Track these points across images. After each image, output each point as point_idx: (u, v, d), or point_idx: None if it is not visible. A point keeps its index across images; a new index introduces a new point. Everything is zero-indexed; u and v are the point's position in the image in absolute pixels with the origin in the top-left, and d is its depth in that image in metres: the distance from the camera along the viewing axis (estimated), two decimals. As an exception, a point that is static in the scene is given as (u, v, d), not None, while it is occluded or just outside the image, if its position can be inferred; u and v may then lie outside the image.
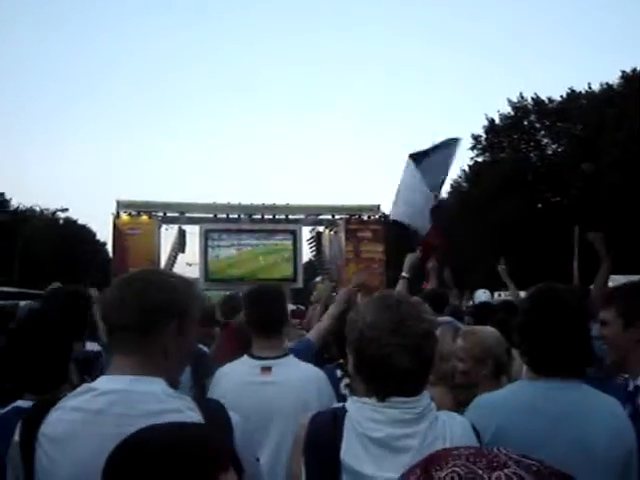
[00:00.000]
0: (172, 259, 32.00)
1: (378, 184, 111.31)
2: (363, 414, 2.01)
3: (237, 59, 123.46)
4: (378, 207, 33.33)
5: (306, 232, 34.12)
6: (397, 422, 1.98)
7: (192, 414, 1.79)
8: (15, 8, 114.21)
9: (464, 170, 51.91)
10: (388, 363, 1.98)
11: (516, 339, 2.57)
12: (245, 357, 3.50)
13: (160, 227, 31.32)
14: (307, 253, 34.81)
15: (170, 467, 1.20)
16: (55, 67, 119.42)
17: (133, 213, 30.65)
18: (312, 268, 37.58)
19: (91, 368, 3.42)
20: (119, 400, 1.80)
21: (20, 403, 2.48)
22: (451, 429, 2.02)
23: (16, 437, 1.85)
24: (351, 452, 1.96)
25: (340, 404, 2.18)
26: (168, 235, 32.04)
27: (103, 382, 1.88)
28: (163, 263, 31.09)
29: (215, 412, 1.88)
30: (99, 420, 1.77)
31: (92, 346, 4.10)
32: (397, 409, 1.99)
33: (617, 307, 2.86)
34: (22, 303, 12.28)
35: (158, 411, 1.75)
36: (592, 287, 5.26)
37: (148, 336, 1.89)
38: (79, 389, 1.89)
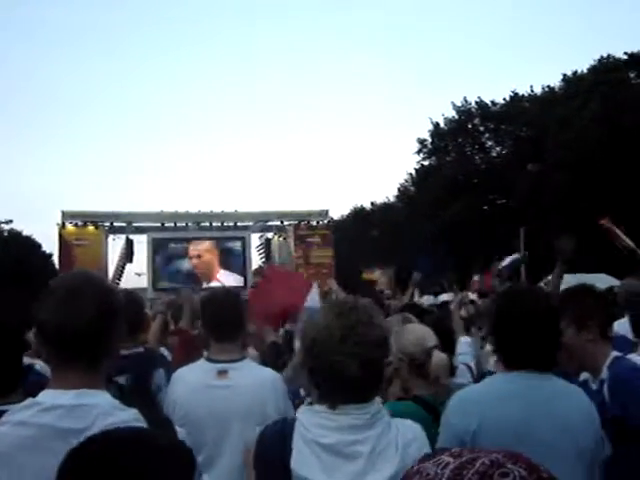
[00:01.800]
0: (120, 269, 31.73)
1: (326, 189, 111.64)
2: (313, 421, 2.00)
3: (181, 67, 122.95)
4: (327, 212, 33.49)
5: (255, 239, 34.11)
6: (347, 428, 1.97)
7: (139, 426, 1.77)
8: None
9: (410, 174, 52.45)
10: (338, 371, 1.97)
11: (488, 335, 2.66)
12: (202, 361, 3.51)
13: (107, 237, 31.07)
14: (256, 260, 34.75)
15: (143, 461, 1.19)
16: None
17: (79, 224, 30.32)
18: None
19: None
20: (65, 415, 1.78)
21: None
22: (403, 434, 2.02)
23: None
24: (301, 460, 1.94)
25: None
26: (116, 245, 31.82)
27: (48, 396, 1.85)
28: (111, 273, 30.82)
29: (162, 425, 1.87)
30: (45, 435, 1.75)
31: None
32: (348, 415, 1.98)
33: (569, 314, 2.96)
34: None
35: (107, 425, 1.72)
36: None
37: (97, 343, 1.86)
38: (24, 403, 1.86)
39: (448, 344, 4.03)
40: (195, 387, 3.35)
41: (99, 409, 1.80)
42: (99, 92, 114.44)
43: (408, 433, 2.05)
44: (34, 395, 3.28)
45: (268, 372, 3.58)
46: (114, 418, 1.77)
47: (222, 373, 3.38)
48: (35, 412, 1.80)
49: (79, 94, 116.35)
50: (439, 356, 3.15)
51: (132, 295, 4.21)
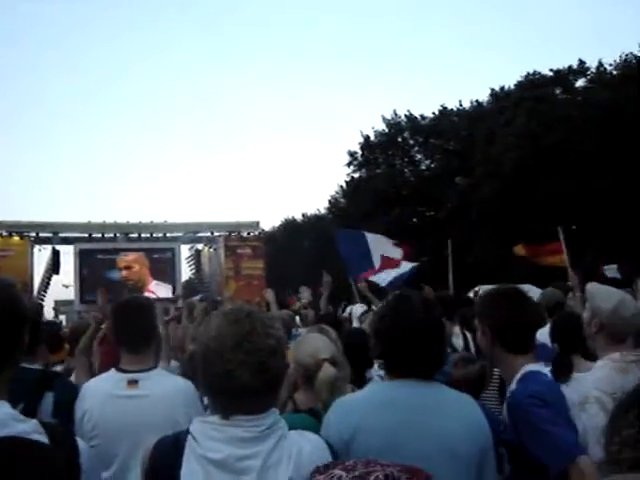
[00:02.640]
0: (46, 281, 31.15)
1: (257, 200, 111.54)
2: (205, 433, 1.94)
3: (113, 74, 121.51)
4: (257, 223, 33.50)
5: (185, 250, 33.88)
6: (238, 441, 1.91)
7: (39, 437, 1.74)
8: None
9: (341, 186, 52.69)
10: (230, 379, 1.91)
11: (372, 343, 2.63)
12: (112, 371, 3.45)
13: (33, 248, 30.45)
14: (186, 271, 34.50)
15: None
16: None
17: (4, 234, 29.68)
18: (192, 286, 37.27)
19: None
20: None
21: None
22: (299, 447, 1.97)
23: None
24: (190, 476, 1.89)
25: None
26: (42, 256, 31.22)
27: None
28: (37, 285, 30.23)
29: (62, 436, 1.83)
30: None
31: None
32: (239, 427, 1.92)
33: (484, 320, 3.02)
34: None
35: (3, 435, 1.70)
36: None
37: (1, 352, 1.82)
38: None
39: (361, 358, 4.04)
40: (104, 398, 3.29)
41: None
42: (28, 100, 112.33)
43: (306, 445, 1.99)
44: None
45: (180, 381, 3.52)
46: (11, 429, 1.72)
47: (132, 383, 3.33)
48: None
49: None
50: (326, 370, 3.07)
51: (34, 305, 4.06)
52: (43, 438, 1.76)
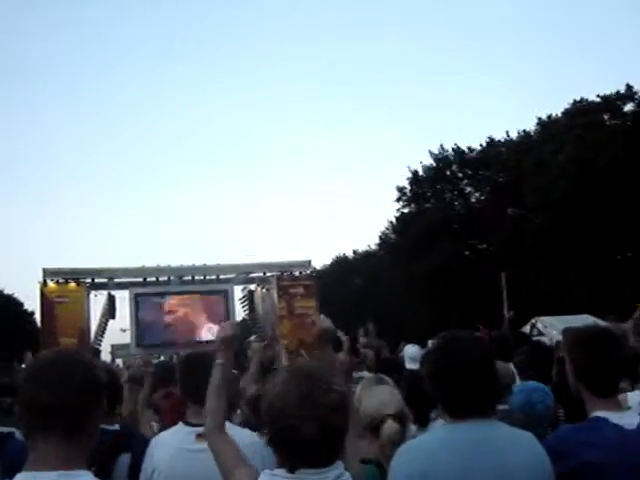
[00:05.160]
0: (102, 326, 31.44)
1: (308, 240, 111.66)
2: None
3: (160, 120, 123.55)
4: (309, 263, 33.53)
5: (238, 291, 34.00)
6: None
7: None
8: None
9: (391, 222, 52.68)
10: (295, 434, 1.99)
11: (428, 387, 2.64)
12: (180, 424, 3.49)
13: (89, 294, 30.78)
14: (240, 312, 34.61)
15: None
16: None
17: (60, 281, 30.05)
18: (246, 327, 37.40)
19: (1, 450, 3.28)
20: None
21: None
22: None
23: None
24: None
25: None
26: (97, 301, 31.54)
27: (29, 478, 1.78)
28: (93, 330, 30.56)
29: None
30: None
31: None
32: None
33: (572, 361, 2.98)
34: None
35: None
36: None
37: (80, 419, 1.82)
38: None
39: (424, 399, 4.05)
40: (174, 452, 3.32)
41: None
42: (74, 149, 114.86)
43: None
44: (15, 462, 3.32)
45: (247, 434, 3.54)
46: None
47: (200, 437, 3.37)
48: None
49: (51, 154, 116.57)
50: (390, 428, 3.14)
51: (109, 367, 4.10)
52: None
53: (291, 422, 1.99)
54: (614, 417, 2.77)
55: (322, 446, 2.01)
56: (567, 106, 42.33)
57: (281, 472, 2.03)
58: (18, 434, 3.98)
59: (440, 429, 2.67)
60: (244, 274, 32.89)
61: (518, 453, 2.43)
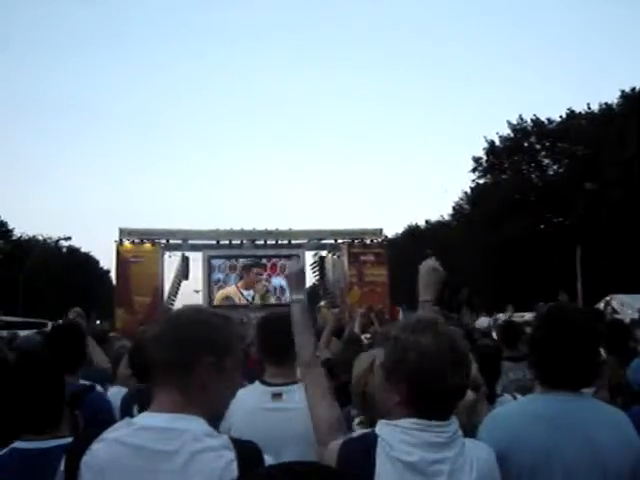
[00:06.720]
0: (175, 286, 32.05)
1: (380, 208, 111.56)
2: (395, 437, 2.03)
3: (235, 87, 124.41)
4: (380, 231, 33.49)
5: (309, 257, 34.15)
6: (428, 445, 2.01)
7: (227, 453, 1.83)
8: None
9: (466, 192, 52.15)
10: (444, 381, 2.02)
11: (529, 352, 2.61)
12: (257, 383, 3.51)
13: (163, 254, 31.39)
14: (310, 278, 34.77)
15: None
16: (61, 100, 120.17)
17: (136, 241, 30.72)
18: (316, 293, 37.60)
19: (81, 403, 3.34)
20: (158, 437, 1.85)
21: (18, 444, 2.49)
22: (477, 455, 2.07)
23: (61, 467, 1.89)
24: (385, 476, 1.97)
25: (367, 430, 2.21)
26: (171, 262, 32.14)
27: (144, 417, 1.94)
28: (167, 290, 31.13)
29: (250, 453, 1.89)
30: (137, 455, 1.82)
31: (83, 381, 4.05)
32: (431, 432, 2.02)
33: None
34: (22, 333, 12.28)
35: (195, 450, 1.81)
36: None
37: (186, 372, 1.93)
38: (120, 422, 1.96)
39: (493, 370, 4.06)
40: (251, 410, 3.35)
41: (189, 434, 1.86)
42: (154, 115, 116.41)
43: (482, 454, 2.10)
44: (96, 411, 3.34)
45: None
46: (202, 444, 1.84)
47: (276, 396, 3.38)
48: (130, 431, 1.88)
49: (132, 118, 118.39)
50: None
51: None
52: (231, 453, 1.84)
53: (440, 370, 2.02)
54: None
55: (460, 395, 2.12)
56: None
57: (403, 423, 2.05)
58: (99, 387, 4.06)
59: (531, 398, 2.63)
60: (315, 240, 33.03)
61: (609, 430, 2.37)
